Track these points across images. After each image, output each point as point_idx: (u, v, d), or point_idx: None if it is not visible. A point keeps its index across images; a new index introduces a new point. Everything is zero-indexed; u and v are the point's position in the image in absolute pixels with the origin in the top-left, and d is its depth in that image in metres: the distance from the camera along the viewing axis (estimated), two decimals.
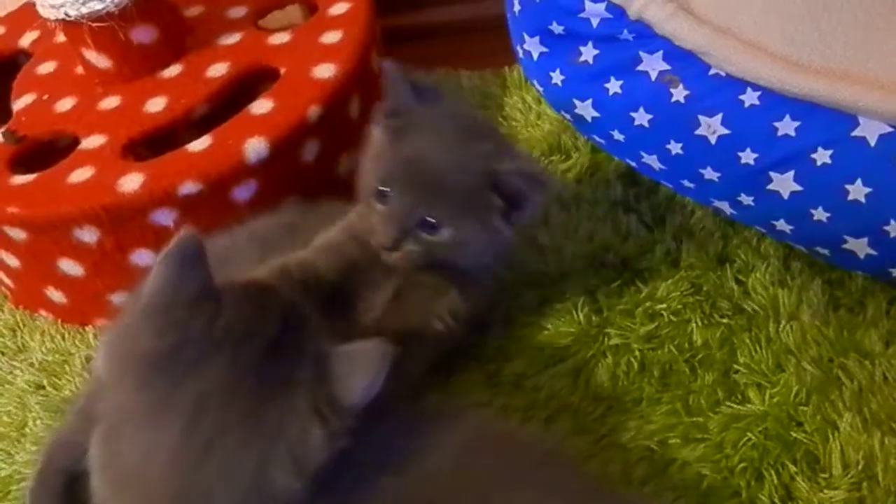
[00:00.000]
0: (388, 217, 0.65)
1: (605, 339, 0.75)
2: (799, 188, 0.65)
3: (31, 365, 0.84)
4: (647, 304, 0.77)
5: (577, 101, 0.74)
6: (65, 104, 0.89)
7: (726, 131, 0.67)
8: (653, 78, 0.69)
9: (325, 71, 0.84)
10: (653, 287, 0.78)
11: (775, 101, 0.64)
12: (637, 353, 0.73)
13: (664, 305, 0.76)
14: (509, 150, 0.69)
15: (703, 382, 0.70)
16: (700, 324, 0.74)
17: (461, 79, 1.07)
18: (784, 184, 0.66)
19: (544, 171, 0.83)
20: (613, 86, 0.72)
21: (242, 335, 0.50)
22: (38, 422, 0.78)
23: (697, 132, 0.68)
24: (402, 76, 0.67)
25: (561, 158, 0.93)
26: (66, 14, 0.83)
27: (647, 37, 0.69)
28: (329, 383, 0.49)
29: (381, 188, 0.65)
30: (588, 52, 0.72)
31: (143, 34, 0.87)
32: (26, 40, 1.01)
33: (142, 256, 0.79)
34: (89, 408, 0.63)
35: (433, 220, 0.64)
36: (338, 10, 0.92)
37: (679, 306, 0.76)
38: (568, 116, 0.78)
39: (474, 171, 0.65)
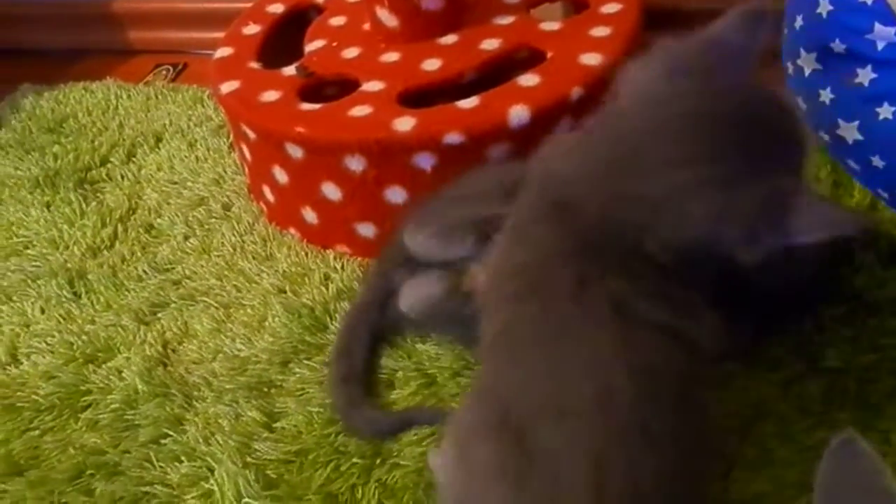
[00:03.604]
0: None
1: (823, 360, 0.75)
2: None
3: (276, 272, 0.94)
4: (873, 335, 0.76)
5: (842, 122, 0.75)
6: (351, 52, 0.99)
7: None
8: None
9: (591, 59, 0.89)
10: (881, 321, 0.77)
11: None
12: (855, 379, 0.73)
13: (891, 340, 0.75)
14: None
15: None
16: None
17: None
18: None
19: None
20: (885, 111, 0.72)
21: None
22: (276, 319, 0.88)
23: None
24: None
25: None
26: None
27: None
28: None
29: None
30: (865, 75, 0.73)
31: (432, 2, 0.96)
32: None
33: (395, 193, 0.88)
34: None
35: None
36: (609, 8, 0.98)
37: None
38: (826, 137, 0.79)
39: None
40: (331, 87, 0.99)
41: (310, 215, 0.95)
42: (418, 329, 0.82)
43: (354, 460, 0.73)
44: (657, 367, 0.56)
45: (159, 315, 0.92)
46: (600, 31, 0.94)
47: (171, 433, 0.78)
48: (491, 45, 0.96)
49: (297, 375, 0.82)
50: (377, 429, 0.75)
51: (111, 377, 0.84)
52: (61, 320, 0.92)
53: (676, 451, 0.54)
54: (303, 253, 0.96)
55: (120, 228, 1.04)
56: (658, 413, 0.54)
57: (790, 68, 0.80)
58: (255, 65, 1.01)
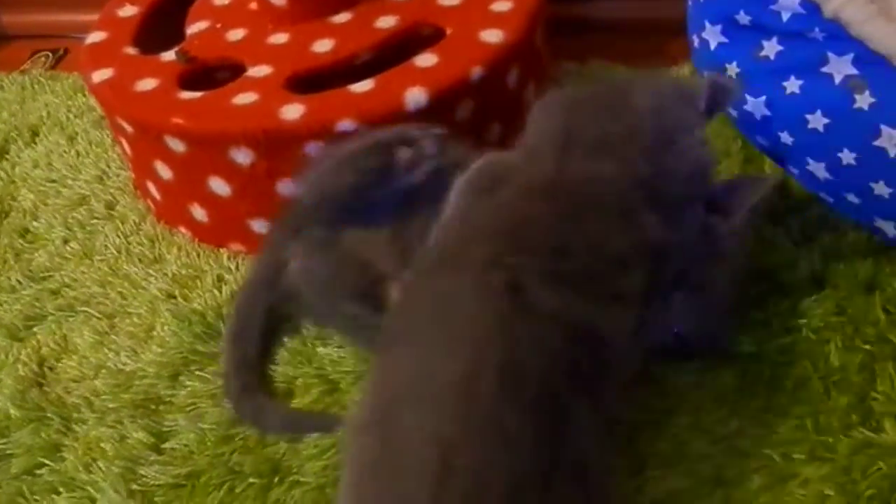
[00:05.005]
0: None
1: (737, 345, 0.73)
2: None
3: (165, 275, 0.87)
4: (786, 317, 0.74)
5: (749, 97, 0.72)
6: (236, 34, 0.92)
7: None
8: (837, 81, 0.67)
9: (491, 36, 0.84)
10: (793, 302, 0.75)
11: None
12: (769, 364, 0.71)
13: (804, 321, 0.73)
14: None
15: (837, 404, 0.67)
16: (840, 346, 0.71)
17: (615, 73, 1.06)
18: None
19: None
20: (792, 85, 0.69)
21: None
22: (165, 327, 0.81)
23: (876, 143, 0.66)
24: None
25: None
26: None
27: (838, 38, 0.66)
28: None
29: None
30: (771, 48, 0.70)
31: None
32: None
33: (288, 186, 0.81)
34: None
35: None
36: None
37: (820, 324, 0.73)
38: (734, 113, 0.76)
39: None
40: (222, 73, 0.92)
41: (199, 213, 0.88)
42: (309, 311, 0.77)
43: (251, 480, 0.68)
44: (532, 361, 0.54)
45: (35, 329, 0.84)
46: (502, 6, 0.89)
47: (47, 462, 0.71)
48: (387, 22, 0.90)
49: (188, 389, 0.75)
50: (270, 422, 0.71)
51: None
52: None
53: (535, 458, 0.51)
54: (194, 253, 0.89)
55: None
56: (518, 413, 0.51)
57: (696, 41, 0.77)
58: (131, 50, 0.93)
